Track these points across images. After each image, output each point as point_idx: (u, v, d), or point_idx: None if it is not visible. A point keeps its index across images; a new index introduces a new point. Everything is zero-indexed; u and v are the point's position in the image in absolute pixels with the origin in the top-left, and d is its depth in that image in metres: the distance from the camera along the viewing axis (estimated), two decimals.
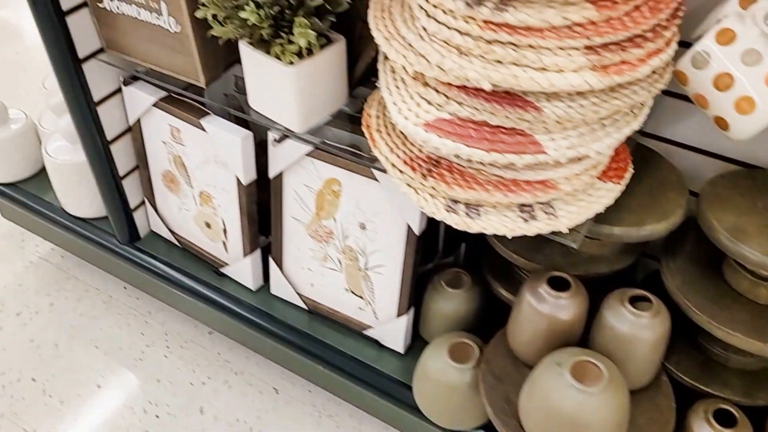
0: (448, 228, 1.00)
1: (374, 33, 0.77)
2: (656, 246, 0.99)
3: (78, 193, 1.29)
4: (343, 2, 0.81)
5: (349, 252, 1.07)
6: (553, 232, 0.79)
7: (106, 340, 1.42)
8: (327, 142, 0.99)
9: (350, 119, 1.05)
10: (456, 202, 0.80)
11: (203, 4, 0.82)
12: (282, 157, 1.03)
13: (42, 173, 1.45)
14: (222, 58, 1.00)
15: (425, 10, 0.71)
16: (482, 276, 1.09)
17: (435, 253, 1.18)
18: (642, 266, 1.07)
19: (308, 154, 1.01)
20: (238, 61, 1.03)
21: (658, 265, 0.94)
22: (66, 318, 1.46)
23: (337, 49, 0.88)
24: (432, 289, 1.08)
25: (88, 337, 1.42)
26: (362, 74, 0.98)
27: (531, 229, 0.77)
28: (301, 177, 1.05)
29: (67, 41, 1.00)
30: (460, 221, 0.78)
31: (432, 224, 1.02)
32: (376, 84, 1.03)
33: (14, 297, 1.50)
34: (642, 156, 0.94)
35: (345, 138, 1.08)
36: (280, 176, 1.07)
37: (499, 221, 0.78)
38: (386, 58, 0.83)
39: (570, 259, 0.96)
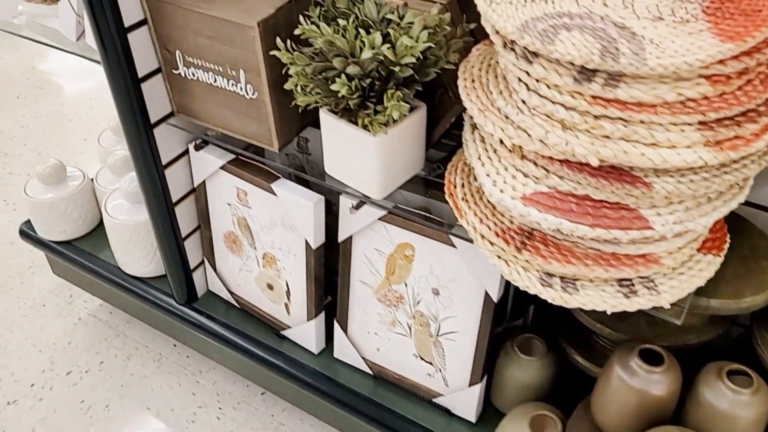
0: (518, 289, 0.97)
1: (467, 104, 0.76)
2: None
3: (136, 252, 1.28)
4: (431, 72, 0.80)
5: (419, 317, 1.05)
6: (654, 308, 0.76)
7: (158, 400, 1.39)
8: (401, 206, 0.97)
9: (421, 181, 1.03)
10: (551, 275, 0.77)
11: (291, 75, 0.82)
12: (354, 221, 1.01)
13: (96, 231, 1.44)
14: (295, 122, 0.99)
15: (525, 84, 0.70)
16: (556, 341, 1.06)
17: (504, 315, 1.14)
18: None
19: (381, 218, 0.99)
20: (310, 124, 1.03)
21: (743, 331, 0.91)
22: (116, 377, 1.44)
23: (419, 117, 0.87)
24: (505, 356, 1.05)
25: (140, 398, 1.40)
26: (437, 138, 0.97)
27: (632, 305, 0.74)
28: (372, 241, 1.03)
29: (141, 107, 1.00)
30: (557, 296, 0.76)
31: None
32: (452, 146, 1.02)
33: (64, 355, 1.49)
34: (729, 222, 0.91)
35: (415, 201, 1.06)
36: (349, 239, 1.05)
37: (598, 296, 0.75)
38: (474, 127, 0.82)
39: (657, 328, 0.93)
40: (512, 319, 1.16)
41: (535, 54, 0.67)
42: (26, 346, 1.51)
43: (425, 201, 1.05)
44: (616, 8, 0.67)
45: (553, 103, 0.67)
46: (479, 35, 0.87)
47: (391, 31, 0.76)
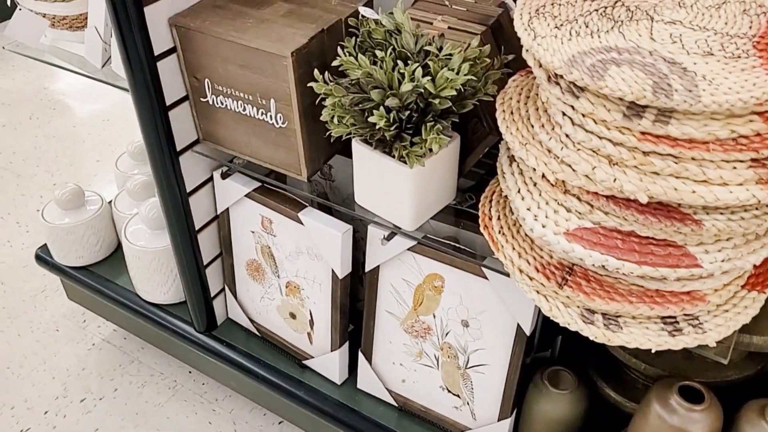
0: (545, 319, 0.95)
1: (507, 137, 0.75)
2: None
3: (156, 279, 1.26)
4: (468, 104, 0.79)
5: (447, 349, 1.03)
6: (699, 346, 0.74)
7: (173, 428, 1.37)
8: (431, 237, 0.96)
9: (450, 210, 1.02)
10: (592, 311, 0.75)
11: (324, 106, 0.81)
12: (382, 251, 1.00)
13: (113, 256, 1.42)
14: (323, 151, 0.98)
15: (570, 118, 0.69)
16: (586, 374, 1.04)
17: (531, 346, 1.12)
18: None
19: (410, 249, 0.98)
20: (338, 152, 1.02)
21: None
22: (131, 404, 1.42)
23: (453, 147, 0.86)
24: (534, 389, 1.02)
25: (155, 426, 1.37)
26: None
27: (678, 343, 0.73)
28: (400, 271, 1.01)
29: (167, 135, 0.99)
30: (599, 334, 0.74)
31: None
32: (480, 174, 1.01)
33: (78, 382, 1.46)
34: None
35: (444, 230, 1.05)
36: (376, 269, 1.03)
37: (642, 335, 0.73)
38: (512, 159, 0.81)
39: (694, 363, 0.91)
40: (539, 350, 1.14)
41: (582, 88, 0.66)
42: (39, 372, 1.49)
43: (454, 231, 1.03)
44: (664, 43, 0.66)
45: (599, 138, 0.66)
46: (512, 65, 0.87)
47: (430, 63, 0.75)
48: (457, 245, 0.95)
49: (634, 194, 0.65)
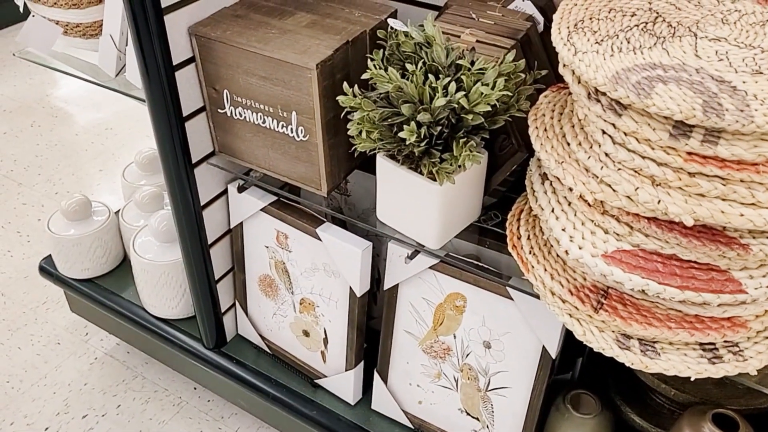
0: (566, 340, 0.93)
1: (542, 154, 0.72)
2: None
3: (164, 293, 1.23)
4: (500, 120, 0.77)
5: (468, 371, 1.00)
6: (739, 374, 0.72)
7: None
8: (454, 255, 0.93)
9: (472, 228, 0.99)
10: (628, 337, 0.73)
11: (350, 119, 0.78)
12: (403, 269, 0.97)
13: (119, 268, 1.39)
14: (344, 165, 0.95)
15: (611, 137, 0.66)
16: (608, 397, 1.01)
17: (553, 369, 1.09)
18: None
19: (431, 267, 0.95)
20: (358, 167, 0.99)
21: None
22: (134, 421, 1.38)
23: (482, 164, 0.83)
24: (556, 413, 0.99)
25: None
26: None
27: (718, 371, 0.70)
28: (420, 290, 0.98)
29: (183, 146, 0.97)
30: (636, 360, 0.71)
31: None
32: (502, 191, 0.98)
33: (79, 397, 1.42)
34: None
35: (465, 248, 1.02)
36: (395, 287, 1.00)
37: (681, 362, 0.70)
38: (545, 177, 0.79)
39: (726, 390, 0.88)
40: (560, 371, 1.11)
41: (625, 106, 0.63)
42: (40, 387, 1.45)
43: (476, 249, 1.00)
44: (711, 60, 0.64)
45: (643, 157, 0.64)
46: (542, 80, 0.85)
47: (463, 77, 0.73)
48: (481, 264, 0.92)
49: (678, 217, 0.62)
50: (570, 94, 0.78)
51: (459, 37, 0.88)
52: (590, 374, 1.08)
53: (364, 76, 0.75)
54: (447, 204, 0.82)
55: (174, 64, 0.90)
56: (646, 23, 0.70)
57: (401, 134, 0.73)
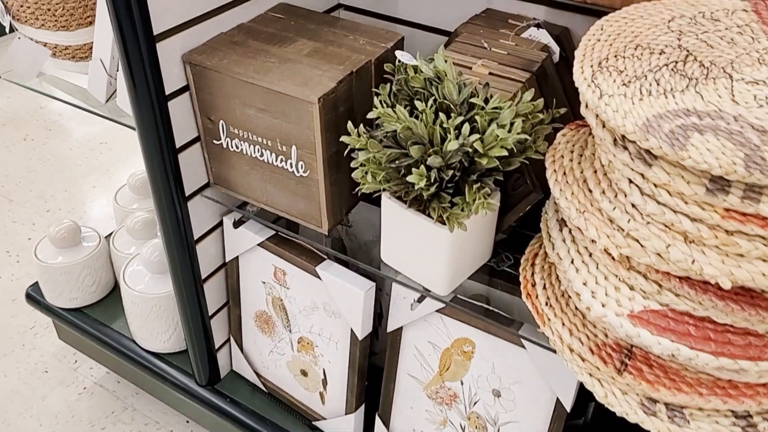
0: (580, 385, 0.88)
1: (561, 202, 0.67)
2: None
3: (155, 327, 1.17)
4: (515, 162, 0.71)
5: (475, 419, 0.94)
6: None
7: None
8: (462, 298, 0.88)
9: (483, 268, 0.94)
10: (654, 401, 0.67)
11: (356, 158, 0.73)
12: (407, 312, 0.91)
13: (110, 297, 1.33)
14: (345, 201, 0.90)
15: (638, 187, 0.61)
16: None
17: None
18: None
19: (438, 310, 0.89)
20: (359, 202, 0.94)
21: None
22: None
23: (494, 206, 0.78)
24: None
25: None
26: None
27: None
28: (426, 333, 0.93)
29: (176, 178, 0.91)
30: (663, 428, 0.66)
31: None
32: (513, 226, 0.93)
33: (67, 429, 1.36)
34: None
35: (474, 288, 0.97)
36: (399, 330, 0.95)
37: (712, 430, 0.65)
38: (563, 223, 0.73)
39: None
40: (571, 417, 1.05)
41: (655, 156, 0.58)
42: (26, 417, 1.39)
43: (485, 289, 0.95)
44: (750, 107, 0.58)
45: (674, 212, 0.58)
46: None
47: (477, 118, 0.67)
48: (492, 309, 0.87)
49: (714, 279, 0.57)
50: (591, 134, 0.73)
51: (470, 68, 0.83)
52: (603, 419, 1.02)
53: (370, 116, 0.70)
54: (457, 249, 0.76)
55: (167, 93, 0.85)
56: (677, 62, 0.65)
57: (410, 178, 0.67)
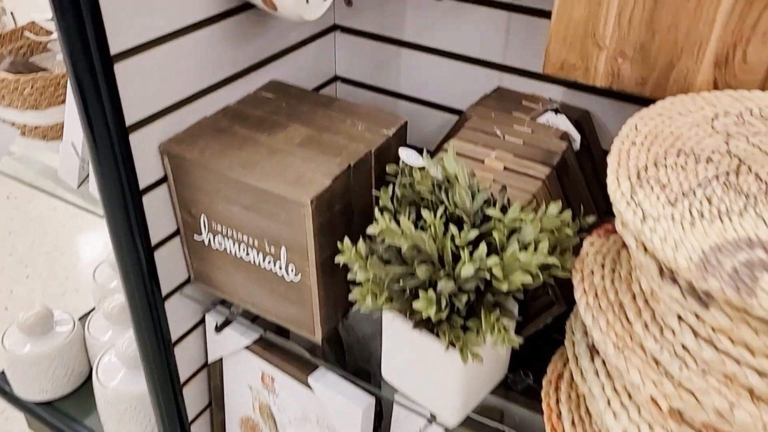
0: None
1: (595, 333, 0.57)
2: None
3: (130, 428, 1.06)
4: (538, 281, 0.62)
5: None
6: None
7: None
8: (473, 417, 0.77)
9: None
10: None
11: (354, 275, 0.63)
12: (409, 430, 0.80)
13: (83, 388, 1.22)
14: (340, 306, 0.80)
15: (691, 327, 0.51)
16: None
17: None
18: None
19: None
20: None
21: None
22: None
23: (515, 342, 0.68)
24: None
25: None
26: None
27: None
28: None
29: (152, 278, 0.81)
30: None
31: None
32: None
33: None
34: None
35: (488, 401, 0.86)
36: None
37: None
38: (594, 351, 0.63)
39: None
40: None
41: (713, 296, 0.48)
42: None
43: (500, 403, 0.84)
44: None
45: (738, 363, 0.48)
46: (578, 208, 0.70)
47: (495, 233, 0.58)
48: (508, 429, 0.76)
49: None
50: (624, 245, 0.64)
51: (483, 161, 0.74)
52: None
53: (370, 231, 0.60)
54: (470, 373, 0.66)
55: (141, 188, 0.75)
56: (728, 173, 0.56)
57: (416, 305, 0.57)
